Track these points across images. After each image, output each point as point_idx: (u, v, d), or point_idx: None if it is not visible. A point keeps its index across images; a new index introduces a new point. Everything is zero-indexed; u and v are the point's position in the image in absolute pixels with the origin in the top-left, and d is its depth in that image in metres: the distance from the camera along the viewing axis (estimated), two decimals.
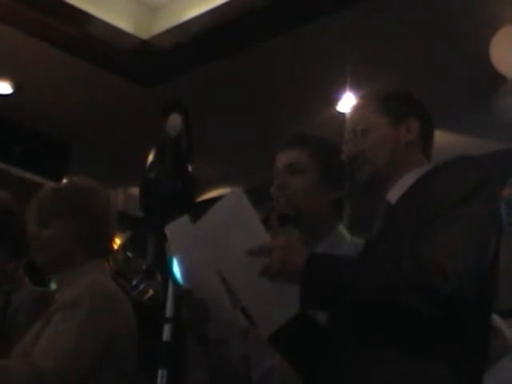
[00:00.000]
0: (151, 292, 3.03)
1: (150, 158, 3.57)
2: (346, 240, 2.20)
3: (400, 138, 1.98)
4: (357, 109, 2.09)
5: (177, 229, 2.01)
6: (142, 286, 3.06)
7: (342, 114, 5.44)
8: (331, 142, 2.28)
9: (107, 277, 2.23)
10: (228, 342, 2.12)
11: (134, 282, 3.00)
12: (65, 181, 2.28)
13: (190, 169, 3.54)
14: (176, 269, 2.09)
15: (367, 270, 1.69)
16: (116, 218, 2.33)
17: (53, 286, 2.38)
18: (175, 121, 3.40)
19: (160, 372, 2.67)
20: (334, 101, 5.54)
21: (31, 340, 2.07)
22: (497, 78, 4.70)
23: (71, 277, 2.16)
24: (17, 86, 5.77)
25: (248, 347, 2.15)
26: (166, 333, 2.77)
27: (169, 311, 2.83)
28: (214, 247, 1.84)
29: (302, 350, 1.87)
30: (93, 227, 2.21)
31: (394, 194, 1.93)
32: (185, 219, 1.98)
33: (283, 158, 2.23)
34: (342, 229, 2.24)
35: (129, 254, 3.65)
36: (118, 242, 4.10)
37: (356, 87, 5.12)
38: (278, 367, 2.07)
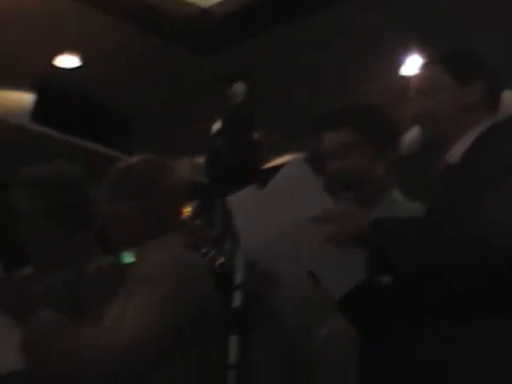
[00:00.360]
0: (221, 259, 3.04)
1: (215, 126, 3.59)
2: (400, 204, 2.18)
3: (465, 98, 1.94)
4: (422, 70, 2.06)
5: (242, 199, 2.02)
6: (211, 254, 3.07)
7: (406, 78, 5.38)
8: (376, 108, 2.26)
9: (182, 248, 2.25)
10: (290, 313, 2.12)
11: (204, 250, 3.02)
12: (136, 158, 2.29)
13: (254, 136, 3.56)
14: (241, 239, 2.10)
15: (433, 232, 1.68)
16: (185, 193, 2.35)
17: (126, 258, 2.41)
18: (239, 89, 3.40)
19: (232, 338, 2.70)
20: (398, 65, 5.47)
21: (112, 312, 2.12)
22: None
23: (146, 251, 2.20)
24: (84, 60, 5.84)
25: (307, 316, 2.16)
26: (237, 299, 2.80)
27: (238, 278, 2.85)
28: (279, 215, 1.84)
29: (368, 314, 1.87)
30: (164, 203, 2.24)
31: (453, 154, 1.90)
32: (250, 189, 1.99)
33: (332, 139, 2.20)
34: (397, 193, 2.22)
35: (197, 223, 3.68)
36: (186, 212, 4.15)
37: (420, 50, 5.05)
38: (335, 334, 2.08)
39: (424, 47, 4.94)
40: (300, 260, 1.92)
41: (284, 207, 1.82)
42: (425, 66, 2.07)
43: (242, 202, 2.02)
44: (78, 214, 2.44)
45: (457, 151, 1.89)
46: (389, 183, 2.21)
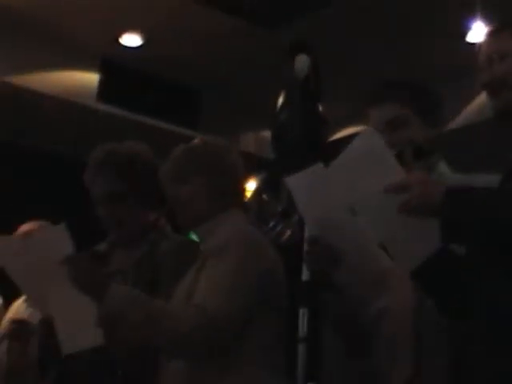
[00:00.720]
0: (289, 232, 3.05)
1: (280, 100, 3.58)
2: (448, 177, 2.14)
3: None
4: (491, 36, 2.02)
5: (303, 178, 2.01)
6: (279, 228, 3.08)
7: (473, 45, 5.27)
8: (415, 82, 2.23)
9: (248, 224, 2.30)
10: (352, 287, 2.11)
11: (271, 224, 3.03)
12: (197, 140, 2.34)
13: (319, 109, 3.54)
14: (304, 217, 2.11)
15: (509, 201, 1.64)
16: (244, 171, 2.38)
17: (193, 237, 2.45)
18: (303, 61, 3.38)
19: (301, 311, 2.70)
20: (464, 32, 5.36)
21: (189, 286, 2.17)
22: None
23: (213, 228, 2.25)
24: (146, 38, 5.89)
25: (366, 289, 2.14)
26: (305, 272, 2.79)
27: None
28: (350, 188, 1.82)
29: (444, 285, 1.84)
30: (225, 183, 2.28)
31: None
32: (316, 167, 1.98)
33: (379, 116, 2.17)
34: (444, 166, 2.18)
35: (264, 197, 3.69)
36: (252, 186, 4.14)
37: (487, 16, 4.93)
38: (392, 308, 2.06)
39: (489, 13, 4.83)
40: (366, 232, 1.91)
41: (355, 179, 1.81)
42: (494, 33, 2.02)
43: (304, 181, 2.02)
44: (156, 193, 2.48)
45: None
46: (435, 155, 2.17)
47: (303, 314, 2.52)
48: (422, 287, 1.88)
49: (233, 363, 2.09)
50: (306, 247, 2.07)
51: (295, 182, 2.04)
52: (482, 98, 2.00)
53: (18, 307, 3.38)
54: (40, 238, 2.29)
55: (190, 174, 2.27)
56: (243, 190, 2.40)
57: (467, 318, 1.78)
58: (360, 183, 1.79)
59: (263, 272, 2.13)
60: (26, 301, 3.14)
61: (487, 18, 4.92)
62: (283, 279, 2.24)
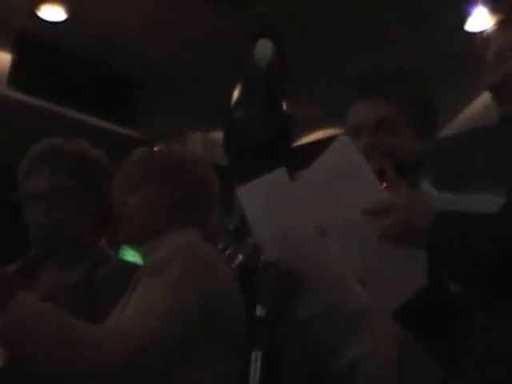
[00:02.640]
0: (240, 257, 3.04)
1: (236, 93, 3.56)
2: (432, 196, 2.16)
3: None
4: (503, 28, 2.04)
5: (265, 184, 2.02)
6: (229, 250, 3.07)
7: (472, 34, 5.35)
8: (418, 82, 2.25)
9: (198, 239, 2.31)
10: (316, 322, 2.12)
11: (220, 246, 3.02)
12: (161, 146, 2.42)
13: (284, 106, 3.53)
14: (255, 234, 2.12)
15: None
16: (216, 189, 2.45)
17: (125, 254, 2.46)
18: (265, 47, 3.37)
19: (253, 354, 2.70)
20: (462, 19, 5.45)
21: (120, 310, 2.18)
22: None
23: (157, 246, 2.27)
24: (71, 12, 5.84)
25: (337, 331, 2.16)
26: (260, 309, 2.79)
27: None
28: (319, 204, 1.83)
29: (434, 325, 1.86)
30: (181, 196, 2.34)
31: None
32: (279, 174, 1.98)
33: (368, 111, 2.18)
34: (427, 185, 2.21)
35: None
36: None
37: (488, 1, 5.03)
38: (368, 356, 2.07)
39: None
40: (337, 258, 1.92)
41: (326, 196, 1.82)
42: (505, 23, 2.05)
43: (261, 191, 2.02)
44: (102, 205, 2.54)
45: None
46: (421, 174, 2.19)
47: (255, 359, 2.51)
48: (406, 328, 1.89)
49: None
50: (260, 272, 2.07)
51: (248, 192, 2.04)
52: (483, 99, 2.03)
53: None
54: None
55: (142, 182, 2.34)
56: (205, 209, 2.43)
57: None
58: (332, 200, 1.80)
59: (206, 293, 2.13)
60: None
61: (489, 4, 5.02)
62: (238, 306, 2.27)
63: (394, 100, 2.15)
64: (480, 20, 5.36)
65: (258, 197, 2.02)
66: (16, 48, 6.17)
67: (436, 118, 2.18)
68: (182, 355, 2.12)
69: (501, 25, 2.05)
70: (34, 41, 6.13)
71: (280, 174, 1.97)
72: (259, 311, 2.82)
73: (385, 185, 1.80)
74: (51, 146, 2.58)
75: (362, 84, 2.22)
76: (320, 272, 2.02)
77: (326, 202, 1.81)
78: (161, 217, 2.32)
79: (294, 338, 2.15)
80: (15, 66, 6.18)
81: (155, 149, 2.44)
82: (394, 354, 2.01)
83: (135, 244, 2.40)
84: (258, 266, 2.24)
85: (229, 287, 2.26)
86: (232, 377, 2.27)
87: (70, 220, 2.53)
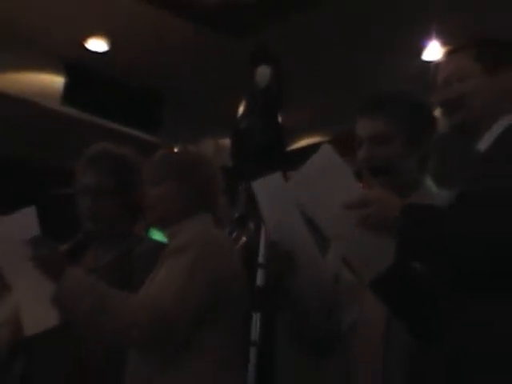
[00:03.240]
0: (244, 239, 3.02)
1: (241, 108, 3.56)
2: (433, 194, 2.13)
3: (495, 85, 1.89)
4: (449, 58, 2.01)
5: (267, 184, 2.03)
6: (234, 234, 3.06)
7: (428, 63, 5.31)
8: (410, 98, 2.21)
9: (212, 228, 2.31)
10: (309, 299, 2.10)
11: (227, 230, 3.01)
12: (179, 148, 2.47)
13: (280, 119, 3.53)
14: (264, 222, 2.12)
15: (466, 219, 1.63)
16: (222, 184, 2.43)
17: (155, 235, 2.45)
18: (264, 72, 3.35)
19: (254, 315, 2.68)
20: (420, 50, 5.41)
21: (149, 283, 2.17)
22: None
23: (178, 230, 2.27)
24: (112, 44, 5.83)
25: (331, 301, 2.13)
26: (260, 278, 2.78)
27: (261, 257, 2.84)
28: (309, 201, 1.82)
29: (401, 297, 1.83)
30: (195, 190, 2.33)
31: (484, 142, 1.85)
32: (276, 176, 2.00)
33: (366, 128, 2.15)
34: (429, 183, 2.18)
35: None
36: None
37: (443, 35, 4.98)
38: (358, 321, 2.05)
39: (445, 33, 4.87)
40: (326, 246, 1.92)
41: (313, 194, 1.80)
42: (451, 54, 2.01)
43: (267, 187, 2.04)
44: (138, 192, 2.51)
45: (487, 140, 1.84)
46: (421, 174, 2.16)
47: (256, 319, 2.49)
48: (379, 298, 1.87)
49: (184, 359, 2.09)
50: (266, 252, 2.05)
51: (260, 187, 2.06)
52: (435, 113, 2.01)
53: None
54: (8, 220, 2.26)
55: (164, 177, 2.33)
56: (214, 199, 2.41)
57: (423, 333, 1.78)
58: (319, 197, 1.79)
59: (218, 275, 2.12)
60: None
61: (443, 38, 4.97)
62: (243, 283, 2.25)
63: (388, 116, 2.12)
64: (433, 51, 5.33)
65: (265, 191, 2.05)
66: (68, 73, 6.18)
67: (431, 131, 2.12)
68: (199, 329, 2.10)
69: (447, 55, 2.02)
70: (81, 67, 6.15)
71: (277, 176, 2.00)
72: (259, 282, 2.80)
73: (361, 184, 1.80)
74: (102, 150, 2.58)
75: (362, 103, 2.20)
76: (305, 253, 2.02)
77: (315, 197, 1.80)
78: (177, 206, 2.31)
79: (287, 304, 2.12)
80: (67, 87, 6.19)
81: (174, 151, 2.45)
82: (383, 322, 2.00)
83: (160, 227, 2.40)
84: (265, 244, 2.22)
85: (236, 265, 2.24)
86: (239, 341, 2.25)
87: (109, 211, 2.52)
